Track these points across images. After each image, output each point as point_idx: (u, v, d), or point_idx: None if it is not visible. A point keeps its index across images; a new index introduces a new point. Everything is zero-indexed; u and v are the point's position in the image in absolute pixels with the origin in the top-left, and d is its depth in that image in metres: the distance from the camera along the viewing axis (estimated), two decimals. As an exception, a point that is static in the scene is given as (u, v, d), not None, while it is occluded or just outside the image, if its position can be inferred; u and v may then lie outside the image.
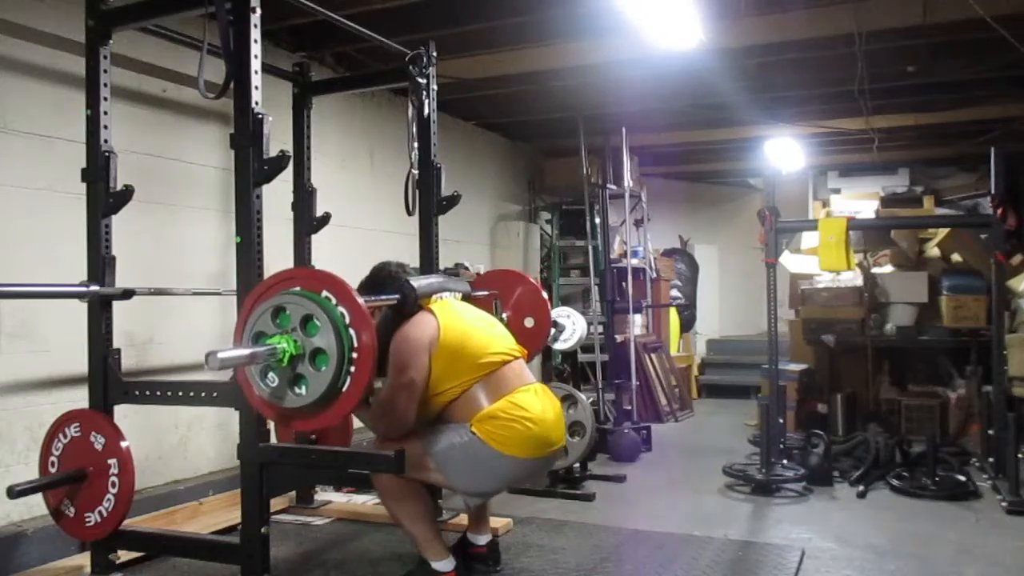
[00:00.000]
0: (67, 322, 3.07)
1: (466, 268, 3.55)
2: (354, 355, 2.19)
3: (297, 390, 2.23)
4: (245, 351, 2.22)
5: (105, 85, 2.80)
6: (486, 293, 3.26)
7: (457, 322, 2.72)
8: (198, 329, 3.82)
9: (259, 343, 2.24)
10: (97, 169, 2.78)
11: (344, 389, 2.21)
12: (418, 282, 2.76)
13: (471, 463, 2.61)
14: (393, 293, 2.71)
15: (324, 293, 2.24)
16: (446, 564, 2.69)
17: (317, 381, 2.20)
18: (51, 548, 2.99)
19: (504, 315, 3.32)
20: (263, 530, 2.49)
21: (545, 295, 3.49)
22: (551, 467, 3.06)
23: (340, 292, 2.24)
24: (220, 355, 2.11)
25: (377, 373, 2.62)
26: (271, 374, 2.25)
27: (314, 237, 3.85)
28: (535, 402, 2.70)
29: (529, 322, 3.40)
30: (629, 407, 5.97)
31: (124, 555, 2.91)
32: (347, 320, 2.20)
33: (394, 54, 3.62)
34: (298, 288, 2.27)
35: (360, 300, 2.23)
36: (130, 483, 2.66)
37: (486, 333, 2.79)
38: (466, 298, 2.99)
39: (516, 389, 2.69)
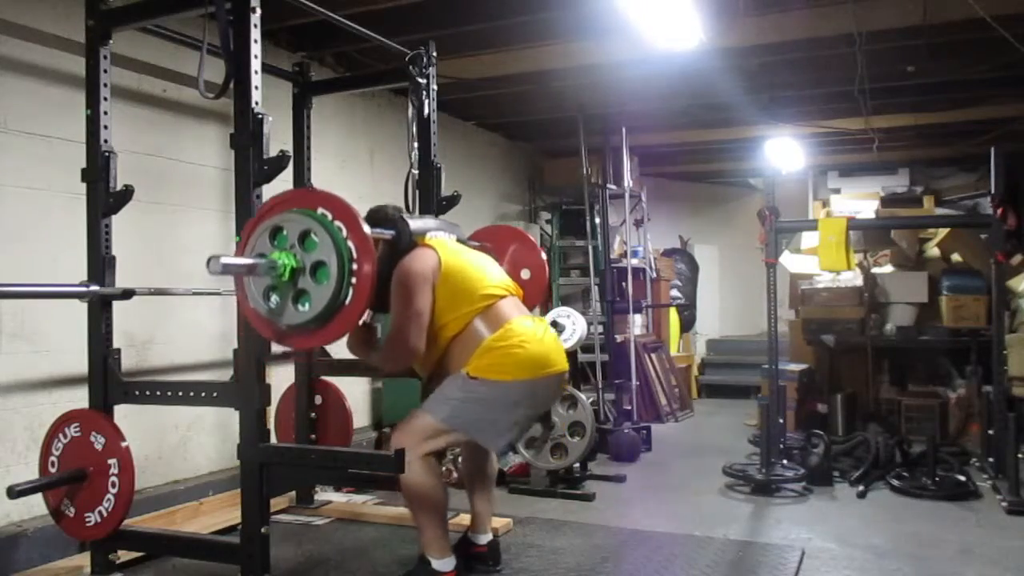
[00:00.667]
0: (67, 322, 3.08)
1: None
2: (354, 266, 2.22)
3: (300, 307, 2.26)
4: (246, 260, 2.27)
5: (105, 85, 2.80)
6: (479, 244, 3.24)
7: (456, 257, 2.74)
8: (198, 329, 3.83)
9: (261, 257, 2.28)
10: (97, 169, 2.78)
11: (347, 302, 2.24)
12: (413, 222, 2.79)
13: (481, 407, 2.63)
14: (388, 230, 2.72)
15: (320, 210, 2.27)
16: (447, 563, 2.69)
17: (319, 294, 2.24)
18: (51, 548, 2.99)
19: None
20: (263, 530, 2.49)
21: (541, 250, 3.48)
22: (559, 395, 3.04)
23: (335, 207, 2.27)
24: (223, 260, 2.17)
25: (379, 309, 2.64)
26: (273, 295, 2.28)
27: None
28: (532, 327, 2.74)
29: (526, 273, 3.40)
30: (629, 407, 5.97)
31: (124, 555, 2.92)
32: (344, 233, 2.24)
33: (394, 54, 3.62)
34: (294, 208, 2.30)
35: (355, 210, 2.27)
36: (130, 483, 2.66)
37: (484, 270, 2.81)
38: (460, 243, 3.00)
39: (513, 318, 2.72)
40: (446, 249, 2.76)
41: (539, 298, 3.50)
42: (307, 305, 2.25)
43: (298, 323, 2.27)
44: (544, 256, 3.47)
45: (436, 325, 2.66)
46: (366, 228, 2.28)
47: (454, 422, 2.63)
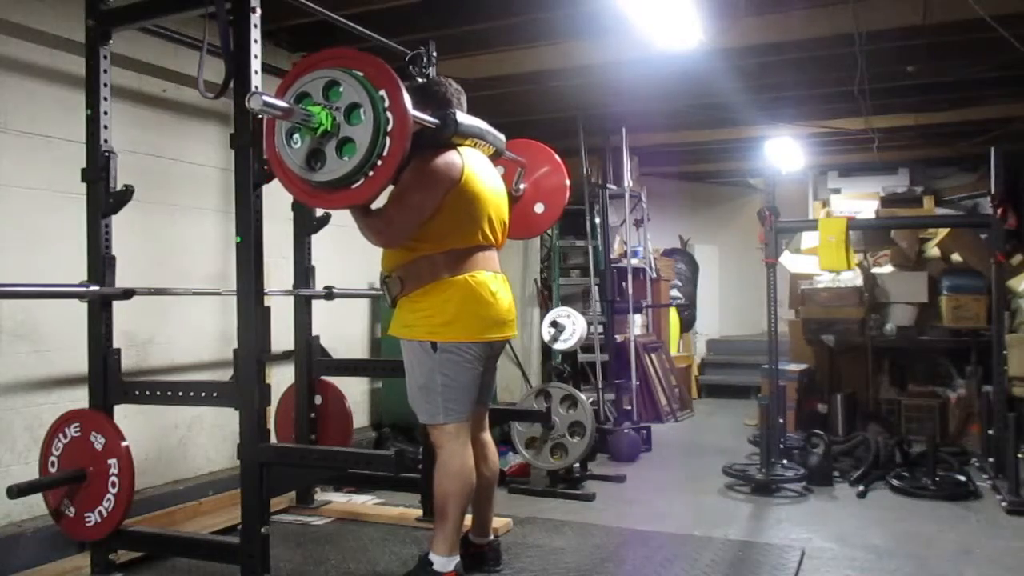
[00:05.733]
0: (67, 322, 3.08)
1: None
2: (379, 163, 2.19)
3: (312, 163, 2.24)
4: (285, 103, 2.23)
5: (105, 85, 2.80)
6: (514, 157, 3.18)
7: (474, 181, 2.69)
8: (198, 329, 3.83)
9: (302, 103, 2.25)
10: (97, 169, 2.78)
11: (353, 187, 2.23)
12: (463, 119, 2.70)
13: (455, 375, 2.65)
14: (436, 115, 2.64)
15: (381, 92, 2.21)
16: (448, 563, 2.69)
17: (333, 166, 2.22)
18: (51, 548, 2.99)
19: (521, 186, 3.27)
20: (263, 530, 2.49)
21: (567, 182, 3.37)
22: (501, 350, 3.05)
23: (396, 100, 2.21)
24: (264, 97, 2.14)
25: (392, 181, 2.54)
26: (297, 135, 2.26)
27: (314, 237, 3.85)
28: (491, 282, 2.73)
29: (539, 208, 3.34)
30: (629, 407, 5.97)
31: (124, 555, 2.92)
32: (389, 127, 2.19)
33: (394, 54, 3.61)
34: (361, 74, 2.24)
35: (411, 123, 2.21)
36: (130, 483, 2.66)
37: (492, 205, 2.77)
38: (495, 155, 2.95)
39: (479, 270, 2.71)
40: (472, 167, 2.69)
41: (538, 233, 3.40)
42: (319, 166, 2.23)
43: (301, 175, 2.25)
44: (567, 192, 3.36)
45: (420, 233, 2.63)
46: (411, 109, 2.22)
47: (450, 414, 2.65)
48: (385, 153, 2.19)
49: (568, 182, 3.38)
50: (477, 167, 2.74)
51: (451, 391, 2.66)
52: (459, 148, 2.70)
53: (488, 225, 2.76)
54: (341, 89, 2.23)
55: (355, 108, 2.20)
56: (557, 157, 3.41)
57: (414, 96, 2.50)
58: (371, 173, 2.21)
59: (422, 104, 2.66)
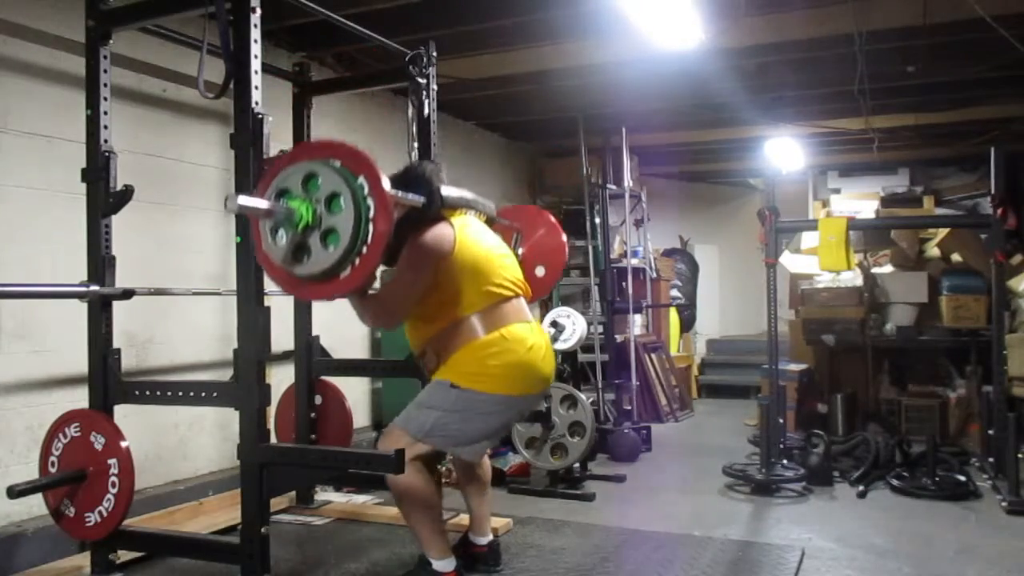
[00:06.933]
0: (67, 322, 3.08)
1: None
2: (364, 249, 2.17)
3: (299, 257, 2.22)
4: (265, 203, 2.22)
5: (105, 85, 2.80)
6: (509, 223, 3.19)
7: (473, 243, 2.69)
8: (198, 329, 3.83)
9: (281, 200, 2.23)
10: (97, 169, 2.78)
11: (342, 276, 2.20)
12: (447, 191, 2.70)
13: (458, 419, 2.61)
14: (421, 194, 2.63)
15: (360, 179, 2.19)
16: (447, 564, 2.69)
17: (319, 258, 2.19)
18: (51, 548, 2.99)
19: (520, 251, 3.27)
20: (263, 530, 2.49)
21: (565, 240, 3.38)
22: (539, 402, 3.02)
23: (375, 185, 2.18)
24: (240, 200, 2.12)
25: (388, 263, 2.57)
26: (281, 231, 2.24)
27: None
28: (528, 336, 2.70)
29: (540, 271, 3.35)
30: (629, 407, 5.97)
31: (124, 555, 2.91)
32: (371, 214, 2.17)
33: (394, 54, 3.62)
34: (338, 163, 2.22)
35: (391, 203, 2.19)
36: (130, 483, 2.66)
37: (499, 263, 2.76)
38: (488, 222, 2.94)
39: (511, 323, 2.69)
40: (466, 231, 2.70)
41: (544, 294, 3.45)
42: (305, 259, 2.21)
43: (289, 270, 2.23)
44: (567, 252, 3.38)
45: (436, 306, 2.63)
46: (389, 188, 2.20)
47: (430, 436, 2.61)
48: (369, 240, 2.16)
49: (565, 238, 3.40)
50: (473, 231, 2.75)
51: (448, 426, 2.61)
52: (451, 219, 2.70)
53: (503, 275, 2.73)
54: (320, 180, 2.21)
55: (335, 197, 2.18)
56: (552, 218, 3.45)
57: (396, 181, 2.55)
58: (358, 261, 2.18)
59: (405, 186, 2.65)
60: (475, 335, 2.63)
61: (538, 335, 2.77)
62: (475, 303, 2.64)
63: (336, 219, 2.17)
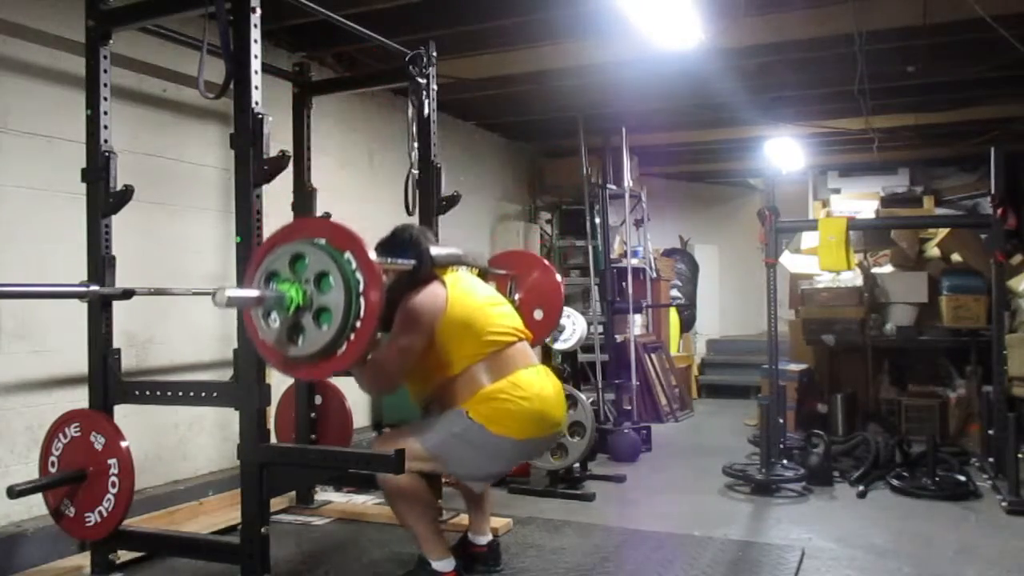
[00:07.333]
0: (67, 322, 3.07)
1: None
2: (358, 324, 2.17)
3: (294, 338, 2.22)
4: (254, 292, 2.22)
5: (105, 85, 2.80)
6: (502, 272, 3.23)
7: (466, 298, 2.70)
8: (198, 329, 3.83)
9: (270, 284, 2.23)
10: (97, 169, 2.78)
11: (338, 352, 2.20)
12: (436, 251, 2.73)
13: (469, 449, 2.61)
14: (410, 258, 2.67)
15: (347, 255, 2.19)
16: (446, 564, 2.69)
17: (315, 337, 2.19)
18: (51, 548, 2.99)
19: (516, 296, 3.30)
20: (263, 530, 2.49)
21: (560, 280, 3.42)
22: (552, 445, 3.04)
23: (362, 258, 2.19)
24: (228, 292, 2.13)
25: (385, 329, 2.58)
26: (273, 314, 2.25)
27: (314, 237, 3.84)
28: (535, 381, 2.71)
29: (538, 314, 3.36)
30: (629, 407, 5.97)
31: (124, 555, 2.91)
32: (361, 288, 2.17)
33: (394, 54, 3.62)
34: (324, 241, 2.23)
35: (380, 274, 2.19)
36: (130, 483, 2.66)
37: (494, 312, 2.77)
38: (482, 274, 2.96)
39: (518, 369, 2.70)
40: (458, 287, 2.71)
41: (544, 337, 3.47)
42: (301, 340, 2.21)
43: (286, 352, 2.24)
44: (563, 292, 3.41)
45: (436, 363, 2.64)
46: (377, 258, 2.21)
47: (440, 454, 2.61)
48: (362, 314, 2.17)
49: (559, 277, 3.42)
50: (466, 285, 2.77)
51: (460, 445, 2.60)
52: (443, 277, 2.72)
53: (501, 324, 2.74)
54: (307, 260, 2.21)
55: (324, 276, 2.19)
56: (545, 261, 3.49)
57: (383, 250, 2.59)
58: (352, 336, 2.18)
59: (393, 251, 2.68)
60: (481, 384, 2.63)
61: (546, 378, 2.78)
62: (475, 354, 2.65)
63: (327, 297, 2.18)
